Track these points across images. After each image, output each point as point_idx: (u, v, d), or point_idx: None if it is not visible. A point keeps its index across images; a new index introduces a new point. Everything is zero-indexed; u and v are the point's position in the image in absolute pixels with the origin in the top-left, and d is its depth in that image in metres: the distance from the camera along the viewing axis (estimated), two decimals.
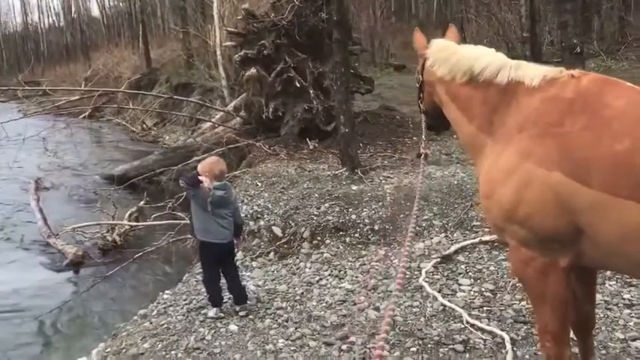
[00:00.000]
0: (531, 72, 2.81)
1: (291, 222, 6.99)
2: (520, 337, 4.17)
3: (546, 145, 2.54)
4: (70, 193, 12.35)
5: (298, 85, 10.98)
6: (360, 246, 6.39)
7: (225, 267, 5.05)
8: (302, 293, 5.38)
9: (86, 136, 20.55)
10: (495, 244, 5.83)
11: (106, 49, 38.61)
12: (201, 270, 6.29)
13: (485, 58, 3.02)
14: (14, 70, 37.55)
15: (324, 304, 5.08)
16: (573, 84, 2.63)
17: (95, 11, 54.32)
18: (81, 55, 44.60)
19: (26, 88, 15.37)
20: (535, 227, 2.59)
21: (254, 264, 6.34)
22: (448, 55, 3.21)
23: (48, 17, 61.83)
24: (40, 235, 9.32)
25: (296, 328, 4.66)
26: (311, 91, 11.01)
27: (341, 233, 6.67)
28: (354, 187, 7.87)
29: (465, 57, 3.11)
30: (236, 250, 5.63)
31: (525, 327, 4.30)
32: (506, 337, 4.11)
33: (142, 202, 10.00)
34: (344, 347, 4.28)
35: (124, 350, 4.63)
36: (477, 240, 5.98)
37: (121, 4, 47.90)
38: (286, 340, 4.48)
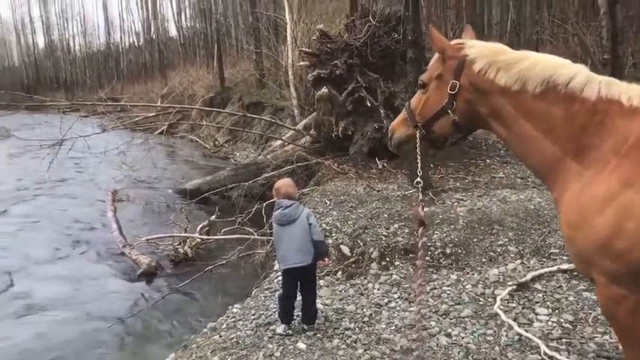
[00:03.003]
0: (628, 90, 2.50)
1: (359, 241, 6.92)
2: None
3: None
4: (145, 205, 12.78)
5: (369, 104, 10.96)
6: (431, 269, 6.22)
7: (304, 288, 5.03)
8: (370, 315, 5.29)
9: (161, 151, 21.27)
10: (575, 273, 5.55)
11: (182, 67, 40.02)
12: (269, 286, 6.36)
13: (568, 68, 2.61)
14: (96, 86, 39.48)
15: (394, 327, 4.97)
16: None
17: (173, 31, 56.52)
18: (158, 74, 46.42)
19: (107, 103, 16.09)
20: (634, 262, 2.35)
21: (321, 282, 6.28)
22: (513, 59, 2.74)
23: (129, 37, 64.87)
24: (116, 244, 9.67)
25: (365, 350, 4.57)
26: (381, 111, 10.96)
27: (411, 255, 6.53)
28: (425, 209, 7.70)
29: (541, 62, 2.67)
30: (319, 270, 5.63)
31: None
32: None
33: (213, 217, 10.22)
34: None
35: None
36: (555, 268, 5.70)
37: (197, 24, 49.63)
38: None
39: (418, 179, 3.29)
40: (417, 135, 3.15)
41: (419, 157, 3.20)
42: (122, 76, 54.88)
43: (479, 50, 2.84)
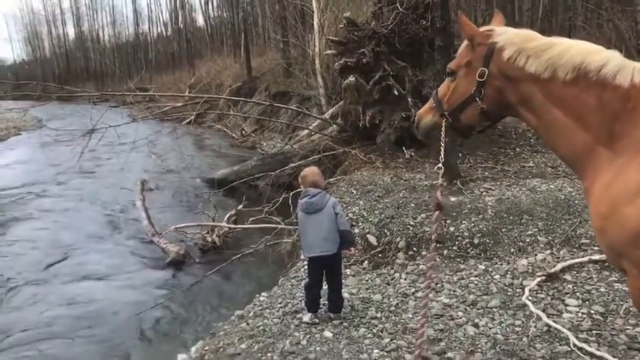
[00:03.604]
0: None
1: (386, 231, 6.90)
2: None
3: None
4: (173, 194, 12.94)
5: (396, 93, 10.87)
6: (458, 259, 6.18)
7: (330, 277, 5.05)
8: (397, 304, 5.28)
9: (189, 140, 21.49)
10: (606, 264, 5.44)
11: (210, 57, 40.30)
12: (295, 274, 6.39)
13: (600, 54, 2.52)
14: (125, 77, 39.95)
15: (420, 317, 4.94)
16: None
17: (200, 21, 56.91)
18: (186, 63, 46.84)
19: (136, 93, 16.28)
20: None
21: (348, 272, 6.29)
22: (543, 45, 2.67)
23: (157, 27, 65.53)
24: (145, 233, 9.81)
25: (391, 340, 4.57)
26: (409, 99, 10.86)
27: (438, 245, 6.48)
28: (453, 199, 7.65)
29: (572, 48, 2.59)
30: (345, 259, 5.63)
31: None
32: None
33: (240, 206, 10.29)
34: None
35: (221, 349, 4.74)
36: (585, 259, 5.61)
37: (224, 14, 49.78)
38: (381, 350, 4.40)
39: (440, 165, 3.23)
40: (443, 123, 3.08)
41: (442, 145, 3.13)
42: (150, 66, 55.46)
43: (508, 37, 2.76)
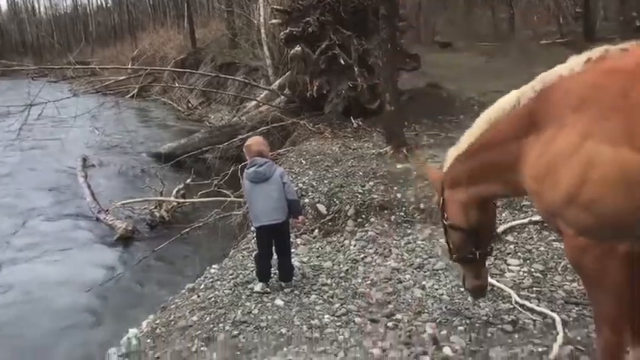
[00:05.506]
0: (564, 66, 2.64)
1: (335, 200, 6.97)
2: (571, 319, 4.07)
3: (610, 121, 2.36)
4: (119, 170, 12.64)
5: (343, 62, 10.89)
6: (405, 225, 6.32)
7: (279, 246, 5.08)
8: (347, 270, 5.37)
9: (133, 115, 20.93)
10: (546, 224, 5.67)
11: (152, 29, 39.06)
12: (247, 246, 6.40)
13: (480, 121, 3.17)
14: (64, 50, 38.39)
15: (370, 282, 5.06)
16: (633, 55, 2.44)
17: None
18: (128, 36, 45.35)
19: (76, 66, 15.71)
20: (599, 210, 2.42)
21: (298, 241, 6.34)
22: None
23: None
24: (90, 211, 9.58)
25: (341, 305, 4.66)
26: (356, 69, 10.90)
27: (386, 212, 6.60)
28: (399, 166, 7.77)
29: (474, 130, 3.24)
30: (295, 229, 5.66)
31: (577, 308, 4.19)
32: (557, 319, 4.00)
33: (188, 180, 10.15)
34: (390, 324, 4.27)
35: (172, 322, 4.73)
36: (526, 220, 5.82)
37: None
38: (332, 315, 4.49)
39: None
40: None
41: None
42: (91, 39, 53.46)
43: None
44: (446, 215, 3.55)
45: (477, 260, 3.52)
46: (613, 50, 2.52)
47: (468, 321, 4.20)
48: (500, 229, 5.68)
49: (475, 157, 3.21)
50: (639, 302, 3.00)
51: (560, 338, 3.76)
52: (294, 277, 5.18)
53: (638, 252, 2.55)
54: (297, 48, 11.09)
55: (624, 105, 2.35)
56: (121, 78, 22.84)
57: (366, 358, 3.89)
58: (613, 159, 2.33)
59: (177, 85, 21.36)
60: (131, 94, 24.27)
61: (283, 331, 4.33)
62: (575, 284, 4.52)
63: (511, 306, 4.33)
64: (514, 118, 2.88)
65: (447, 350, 3.84)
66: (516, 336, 3.94)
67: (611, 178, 2.34)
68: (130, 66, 25.24)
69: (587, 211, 2.45)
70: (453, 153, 3.45)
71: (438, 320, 4.24)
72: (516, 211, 6.14)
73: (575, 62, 2.62)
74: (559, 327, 3.89)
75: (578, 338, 3.80)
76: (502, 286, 4.61)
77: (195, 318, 4.70)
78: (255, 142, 5.17)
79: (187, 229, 7.76)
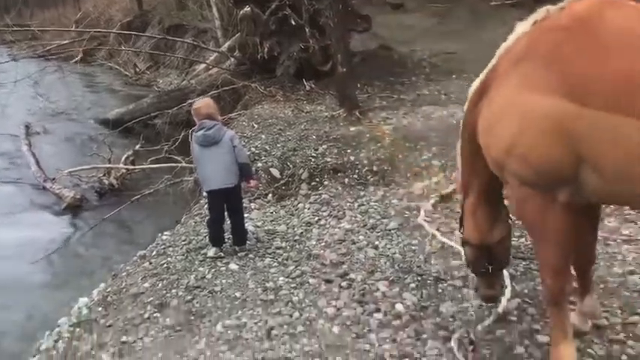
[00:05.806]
0: (513, 35, 2.74)
1: (289, 164, 6.95)
2: (519, 273, 4.19)
3: (543, 72, 2.43)
4: (65, 137, 12.22)
5: (294, 23, 10.71)
6: (358, 187, 6.36)
7: (231, 210, 5.03)
8: (301, 233, 5.39)
9: (78, 80, 20.15)
10: None
11: None
12: (199, 212, 6.33)
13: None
14: (0, 13, 36.45)
15: (324, 244, 5.10)
16: (567, 12, 2.51)
17: None
18: None
19: (14, 29, 14.93)
20: (535, 160, 2.48)
21: (252, 205, 6.31)
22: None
23: None
24: (35, 180, 9.26)
25: (296, 267, 4.69)
26: (307, 30, 10.74)
27: (339, 174, 6.63)
28: (352, 129, 7.78)
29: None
30: (249, 194, 5.58)
31: (524, 263, 4.32)
32: (505, 273, 4.11)
33: (137, 146, 9.90)
34: (343, 284, 4.32)
35: (124, 290, 4.68)
36: None
37: None
38: (286, 277, 4.52)
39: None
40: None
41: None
42: (30, 1, 50.86)
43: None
44: (462, 229, 3.50)
45: (491, 274, 3.47)
46: (553, 9, 2.59)
47: (419, 278, 4.28)
48: (451, 188, 5.77)
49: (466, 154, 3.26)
50: (584, 254, 3.13)
51: (508, 292, 3.88)
52: (248, 242, 5.17)
53: (581, 201, 2.62)
54: (247, 9, 10.83)
55: (558, 58, 2.41)
56: (65, 42, 21.92)
57: (321, 317, 3.93)
58: (548, 110, 2.38)
59: (123, 48, 20.64)
60: (76, 58, 23.37)
61: (238, 294, 4.34)
62: (522, 240, 4.65)
63: (461, 262, 4.43)
64: (474, 95, 2.95)
65: (399, 307, 3.91)
66: (466, 291, 4.05)
67: (546, 128, 2.40)
68: (73, 29, 24.15)
69: (525, 162, 2.53)
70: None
71: (390, 278, 4.32)
72: None
73: (523, 27, 2.69)
74: (507, 281, 4.00)
75: (526, 291, 3.93)
76: (452, 243, 4.71)
77: (147, 285, 4.65)
78: (204, 104, 5.07)
79: (137, 197, 7.60)
